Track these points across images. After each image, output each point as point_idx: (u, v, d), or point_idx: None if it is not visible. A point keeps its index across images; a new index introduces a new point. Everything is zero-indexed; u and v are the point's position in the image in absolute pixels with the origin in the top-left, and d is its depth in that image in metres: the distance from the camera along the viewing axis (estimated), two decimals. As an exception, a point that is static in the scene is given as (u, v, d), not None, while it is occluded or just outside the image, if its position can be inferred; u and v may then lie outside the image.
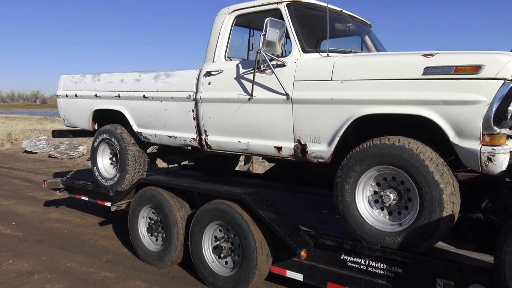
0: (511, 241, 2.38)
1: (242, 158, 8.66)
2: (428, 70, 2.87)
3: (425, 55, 2.94)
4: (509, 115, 2.70)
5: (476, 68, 2.69)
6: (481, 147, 2.69)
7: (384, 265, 3.14)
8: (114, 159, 5.37)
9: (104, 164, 5.45)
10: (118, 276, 4.27)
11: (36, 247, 5.08)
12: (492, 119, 2.63)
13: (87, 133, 5.96)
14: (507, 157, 2.69)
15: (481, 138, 2.69)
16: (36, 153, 13.72)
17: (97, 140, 5.41)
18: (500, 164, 2.67)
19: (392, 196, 3.07)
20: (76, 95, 5.61)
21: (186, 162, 6.79)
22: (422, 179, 2.87)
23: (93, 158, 5.48)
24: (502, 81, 2.62)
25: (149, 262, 4.53)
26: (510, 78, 2.64)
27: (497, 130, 2.66)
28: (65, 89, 5.82)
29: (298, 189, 5.47)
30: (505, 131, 2.74)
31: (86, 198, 5.74)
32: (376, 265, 3.18)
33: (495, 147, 2.67)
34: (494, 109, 2.61)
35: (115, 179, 5.15)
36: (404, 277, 3.07)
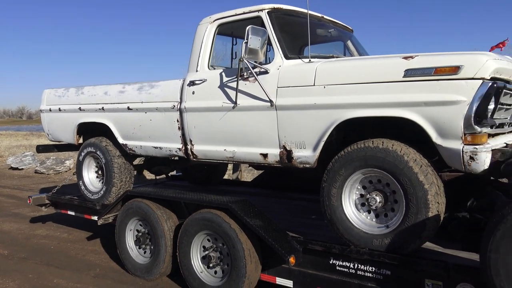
0: (496, 239, 2.40)
1: (230, 166, 8.64)
2: (409, 72, 2.90)
3: (405, 58, 2.97)
4: (489, 114, 2.74)
5: (455, 69, 2.73)
6: (463, 147, 2.72)
7: (373, 268, 3.14)
8: (100, 172, 5.31)
9: (90, 177, 5.39)
10: (106, 290, 4.21)
11: (22, 265, 4.98)
12: (473, 119, 2.66)
13: (72, 147, 5.90)
14: (489, 155, 2.72)
15: (463, 138, 2.72)
16: (22, 169, 13.52)
17: (82, 154, 5.35)
18: (482, 162, 2.70)
19: (378, 199, 3.08)
20: (59, 109, 5.56)
21: (174, 173, 6.75)
22: (407, 180, 2.89)
23: (78, 172, 5.42)
24: (481, 81, 2.66)
25: (138, 275, 4.47)
26: (488, 78, 2.68)
27: (478, 129, 2.69)
28: (48, 104, 5.76)
29: (287, 196, 5.46)
30: (486, 130, 2.78)
31: (72, 213, 5.66)
32: (365, 268, 3.18)
33: (477, 146, 2.70)
34: (474, 108, 2.64)
35: (102, 192, 5.09)
36: (393, 279, 3.07)
